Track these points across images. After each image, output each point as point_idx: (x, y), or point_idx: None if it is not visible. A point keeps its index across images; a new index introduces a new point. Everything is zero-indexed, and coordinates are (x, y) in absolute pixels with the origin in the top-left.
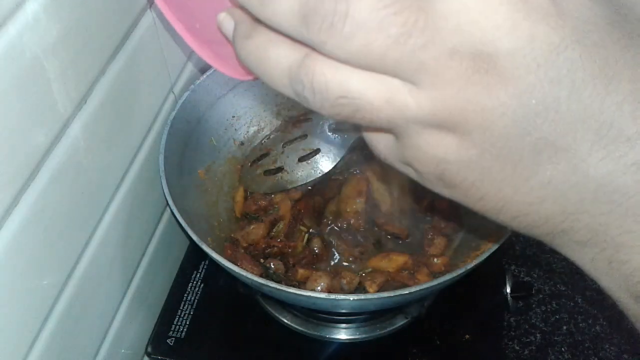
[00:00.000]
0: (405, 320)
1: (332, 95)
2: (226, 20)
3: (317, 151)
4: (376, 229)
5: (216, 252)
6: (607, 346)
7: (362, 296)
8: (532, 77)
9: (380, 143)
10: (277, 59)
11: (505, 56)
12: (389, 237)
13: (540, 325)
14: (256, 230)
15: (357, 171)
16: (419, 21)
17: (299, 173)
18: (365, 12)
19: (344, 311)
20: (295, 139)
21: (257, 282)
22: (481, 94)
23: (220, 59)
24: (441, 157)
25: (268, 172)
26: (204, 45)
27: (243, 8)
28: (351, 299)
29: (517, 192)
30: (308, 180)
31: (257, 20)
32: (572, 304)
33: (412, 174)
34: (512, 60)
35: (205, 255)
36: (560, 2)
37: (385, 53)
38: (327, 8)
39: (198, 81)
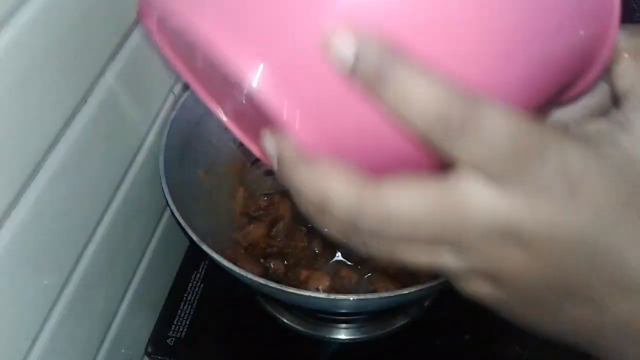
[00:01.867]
0: (405, 321)
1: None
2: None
3: None
4: None
5: (216, 252)
6: None
7: (362, 296)
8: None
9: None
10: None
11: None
12: None
13: None
14: (256, 230)
15: None
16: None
17: None
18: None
19: (344, 311)
20: None
21: (257, 282)
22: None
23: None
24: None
25: (268, 172)
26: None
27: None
28: (351, 299)
29: (547, 328)
30: None
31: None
32: None
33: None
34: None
35: (205, 255)
36: (577, 191)
37: None
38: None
39: None
